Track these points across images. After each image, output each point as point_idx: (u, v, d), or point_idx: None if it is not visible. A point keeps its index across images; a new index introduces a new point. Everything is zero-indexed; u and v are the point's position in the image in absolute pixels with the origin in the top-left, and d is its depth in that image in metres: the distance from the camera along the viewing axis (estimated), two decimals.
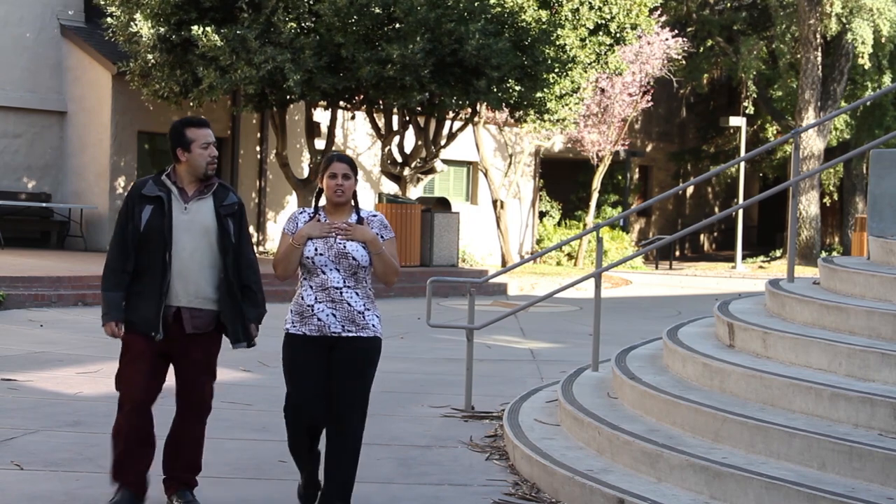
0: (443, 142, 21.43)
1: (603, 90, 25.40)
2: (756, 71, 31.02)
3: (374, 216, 5.49)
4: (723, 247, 37.75)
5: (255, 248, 6.21)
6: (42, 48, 21.82)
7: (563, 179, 31.22)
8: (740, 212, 30.81)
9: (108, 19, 18.94)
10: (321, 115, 22.10)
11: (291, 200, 22.81)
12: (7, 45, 21.35)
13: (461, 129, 21.66)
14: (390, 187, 23.04)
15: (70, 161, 22.00)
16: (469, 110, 20.83)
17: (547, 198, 29.96)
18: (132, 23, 18.21)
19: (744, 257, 30.18)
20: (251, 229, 23.64)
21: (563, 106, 19.81)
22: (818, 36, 29.08)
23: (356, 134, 24.89)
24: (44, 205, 21.44)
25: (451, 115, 21.10)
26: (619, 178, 32.83)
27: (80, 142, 21.81)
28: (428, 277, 9.29)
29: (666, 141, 36.30)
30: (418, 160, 21.26)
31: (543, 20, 18.84)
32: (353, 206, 5.47)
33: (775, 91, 32.27)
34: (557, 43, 18.97)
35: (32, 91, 21.71)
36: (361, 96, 19.62)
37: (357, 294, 5.36)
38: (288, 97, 19.00)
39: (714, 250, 38.30)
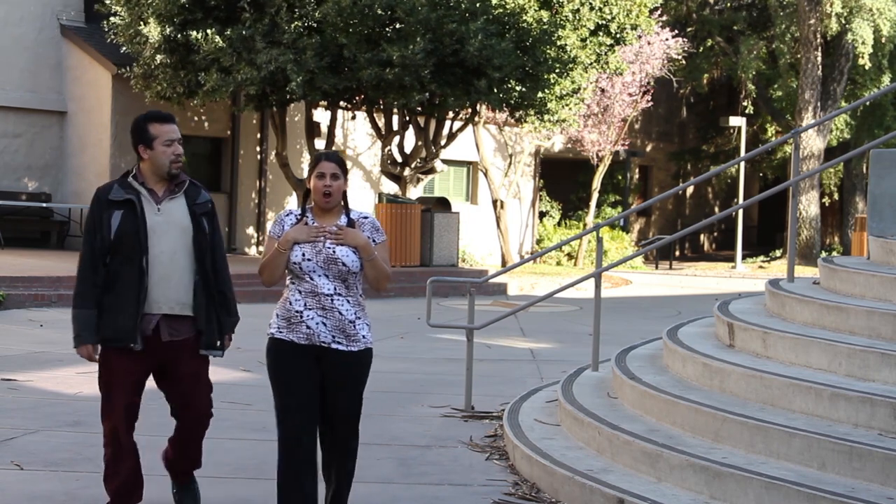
0: (443, 142, 21.43)
1: (603, 90, 25.41)
2: (756, 71, 31.02)
3: (365, 218, 5.19)
4: (723, 247, 37.75)
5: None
6: (42, 48, 21.82)
7: (563, 179, 31.22)
8: (740, 212, 30.81)
9: (113, 19, 18.93)
10: (321, 115, 22.10)
11: (291, 201, 22.80)
12: (7, 44, 21.36)
13: (461, 129, 21.66)
14: (390, 187, 23.04)
15: (70, 161, 22.00)
16: (469, 110, 20.83)
17: (547, 198, 29.96)
18: (140, 23, 18.21)
19: (744, 257, 30.18)
20: (251, 230, 23.82)
21: (563, 106, 19.81)
22: (818, 36, 29.08)
23: (356, 134, 24.89)
24: (44, 205, 21.45)
25: (451, 115, 21.11)
26: (619, 178, 32.83)
27: (80, 142, 21.82)
28: (428, 277, 9.30)
29: (666, 141, 36.31)
30: (418, 160, 21.26)
31: (544, 21, 18.85)
32: (342, 207, 5.17)
33: (775, 91, 32.27)
34: (558, 43, 18.98)
35: (32, 91, 21.71)
36: (362, 96, 19.62)
37: (348, 301, 5.05)
38: (288, 97, 19.00)
39: (714, 250, 38.31)
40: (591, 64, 20.30)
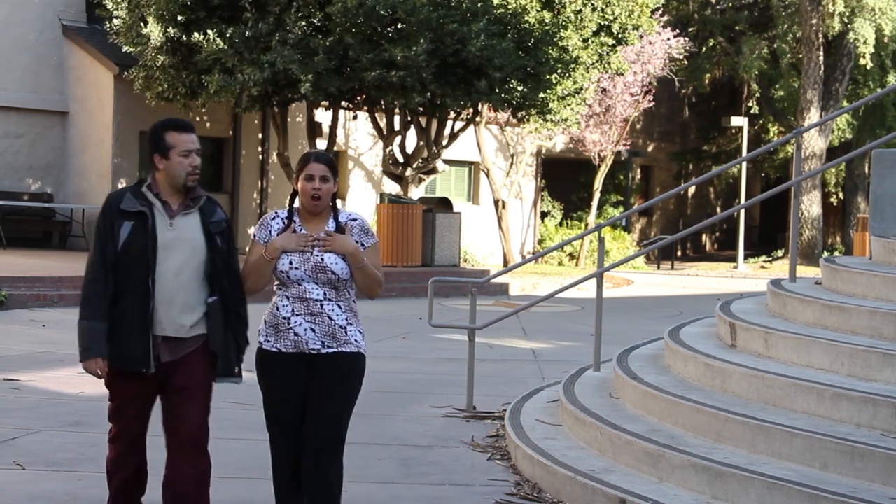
0: (444, 142, 21.43)
1: (605, 90, 25.40)
2: (758, 71, 31.01)
3: (355, 220, 4.95)
4: (724, 247, 37.74)
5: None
6: (44, 48, 21.83)
7: (564, 179, 31.21)
8: (742, 212, 30.81)
9: (115, 21, 18.95)
10: (323, 115, 22.10)
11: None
12: (9, 45, 21.36)
13: (463, 129, 21.65)
14: (392, 187, 23.04)
15: (72, 161, 22.01)
16: (471, 110, 20.83)
17: (548, 198, 29.96)
18: (142, 24, 18.22)
19: (745, 257, 30.17)
20: (252, 230, 23.81)
21: (565, 106, 19.81)
22: (820, 36, 29.07)
23: (358, 134, 24.89)
24: (46, 205, 21.46)
25: (452, 115, 21.11)
26: (621, 178, 32.82)
27: (81, 142, 21.83)
28: (429, 277, 9.30)
29: (668, 141, 36.30)
30: (420, 160, 21.26)
31: (546, 21, 18.85)
32: (330, 210, 4.92)
33: (777, 91, 32.26)
34: (560, 44, 18.98)
35: (34, 91, 21.72)
36: (363, 96, 19.63)
37: (339, 307, 4.83)
38: (290, 96, 19.00)
39: (716, 250, 38.29)
40: (593, 64, 20.30)
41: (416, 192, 21.20)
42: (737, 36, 32.46)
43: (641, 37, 23.15)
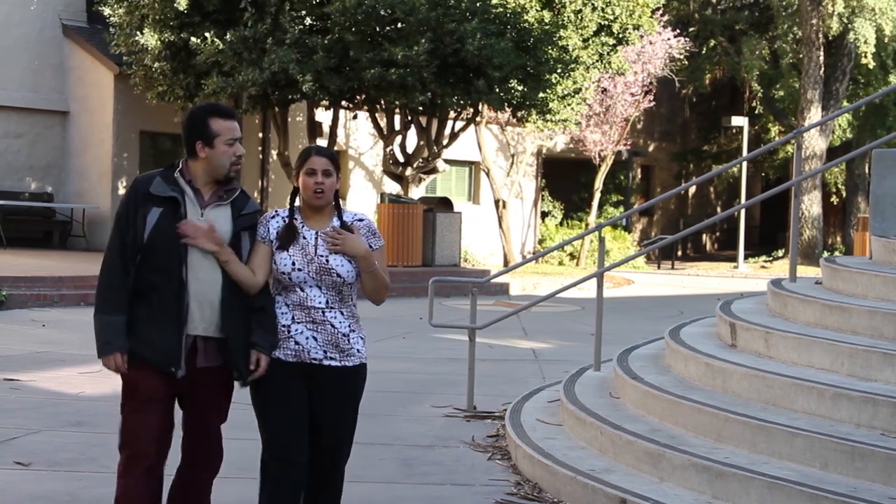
0: (445, 141, 21.43)
1: (605, 90, 25.41)
2: (758, 71, 31.01)
3: (361, 220, 4.67)
4: (725, 246, 37.73)
5: None
6: (44, 48, 21.84)
7: (565, 179, 31.21)
8: (742, 211, 30.81)
9: (112, 30, 19.04)
10: (323, 115, 22.12)
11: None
12: (9, 44, 21.37)
13: (463, 128, 21.66)
14: (392, 187, 23.04)
15: (72, 161, 22.01)
16: (471, 110, 20.83)
17: (549, 198, 29.95)
18: (138, 33, 18.26)
19: (746, 257, 30.17)
20: None
21: (565, 106, 19.82)
22: (820, 36, 29.08)
23: (358, 134, 24.89)
24: (46, 205, 21.48)
25: (452, 114, 21.11)
26: (622, 177, 32.82)
27: (82, 142, 21.83)
28: (430, 277, 9.30)
29: (668, 141, 36.30)
30: (420, 160, 21.26)
31: (546, 21, 18.84)
32: (333, 207, 4.64)
33: (777, 91, 32.26)
34: (560, 44, 18.97)
35: (34, 91, 21.73)
36: (363, 96, 19.63)
37: (342, 314, 4.56)
38: (290, 97, 19.00)
39: (716, 250, 38.29)
40: (594, 64, 20.30)
41: (416, 192, 21.21)
42: (737, 36, 32.46)
43: (642, 37, 23.16)
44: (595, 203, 27.85)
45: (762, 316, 7.37)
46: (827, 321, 6.80)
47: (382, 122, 21.19)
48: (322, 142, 21.50)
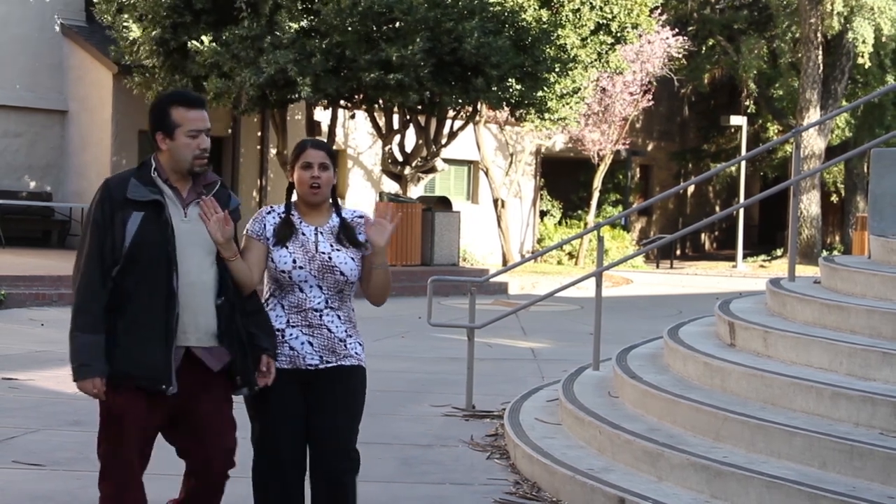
0: (443, 141, 21.43)
1: (604, 89, 25.40)
2: (757, 70, 31.02)
3: (361, 217, 4.46)
4: (724, 246, 37.73)
5: None
6: (43, 47, 21.83)
7: (563, 178, 31.21)
8: (741, 211, 30.81)
9: (108, 31, 19.14)
10: (322, 115, 22.12)
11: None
12: (8, 44, 21.37)
13: (462, 128, 21.66)
14: (391, 186, 23.04)
15: (71, 160, 22.01)
16: (470, 109, 20.84)
17: (548, 197, 29.95)
18: (124, 28, 18.31)
19: (745, 256, 30.18)
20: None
21: (563, 105, 19.82)
22: (819, 35, 29.08)
23: (357, 133, 24.89)
24: (45, 204, 21.47)
25: (451, 114, 21.11)
26: (620, 177, 32.82)
27: (81, 141, 21.83)
28: (429, 276, 9.30)
29: (667, 140, 36.29)
30: (419, 159, 21.26)
31: (544, 20, 18.84)
32: (330, 203, 4.44)
33: (776, 90, 32.27)
34: (558, 43, 18.97)
35: (33, 90, 21.73)
36: (362, 95, 19.63)
37: (339, 317, 4.34)
38: (288, 97, 19.01)
39: (715, 249, 38.29)
40: (592, 63, 20.30)
41: (415, 191, 21.21)
42: (736, 35, 32.46)
43: (640, 36, 23.16)
44: (594, 202, 27.85)
45: (761, 315, 7.37)
46: (826, 320, 6.80)
47: (381, 122, 21.20)
48: None
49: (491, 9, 18.26)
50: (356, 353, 4.39)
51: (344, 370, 4.35)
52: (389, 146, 21.14)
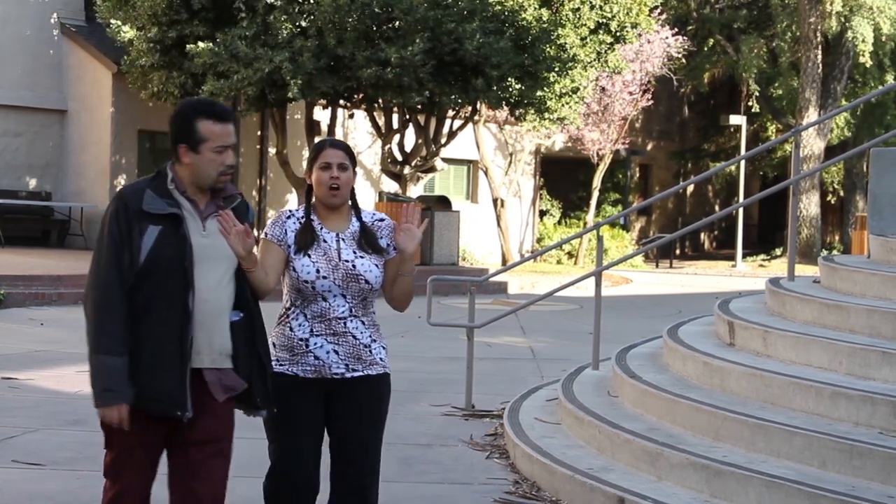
0: (443, 140, 21.44)
1: (603, 89, 25.40)
2: (757, 70, 31.01)
3: (382, 220, 4.31)
4: (723, 245, 37.72)
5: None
6: (42, 47, 21.83)
7: (563, 178, 31.20)
8: (741, 210, 30.80)
9: (107, 29, 19.14)
10: (321, 114, 22.12)
11: (292, 199, 22.81)
12: (7, 43, 21.36)
13: (461, 127, 21.66)
14: (390, 186, 23.04)
15: (70, 160, 22.01)
16: (469, 109, 20.84)
17: (547, 196, 29.95)
18: (119, 30, 18.35)
19: (744, 256, 30.18)
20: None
21: (563, 105, 19.82)
22: (819, 34, 29.08)
23: (356, 132, 24.89)
24: (44, 203, 21.47)
25: (451, 113, 21.11)
26: (620, 176, 32.83)
27: (80, 140, 21.83)
28: (428, 276, 9.29)
29: (666, 139, 36.29)
30: (418, 159, 21.26)
31: (544, 19, 18.84)
32: (350, 206, 4.27)
33: (776, 90, 32.27)
34: (558, 42, 18.98)
35: (32, 90, 21.72)
36: (361, 95, 19.64)
37: (363, 323, 4.23)
38: (287, 96, 19.01)
39: (714, 249, 38.29)
40: (591, 62, 20.31)
41: (414, 191, 21.21)
42: (735, 34, 32.46)
43: (640, 35, 23.17)
44: (593, 202, 27.84)
45: (760, 315, 7.37)
46: (825, 320, 6.81)
47: (380, 121, 21.20)
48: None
49: (491, 8, 18.26)
50: (381, 358, 4.28)
51: (371, 380, 4.23)
52: (389, 146, 21.14)
